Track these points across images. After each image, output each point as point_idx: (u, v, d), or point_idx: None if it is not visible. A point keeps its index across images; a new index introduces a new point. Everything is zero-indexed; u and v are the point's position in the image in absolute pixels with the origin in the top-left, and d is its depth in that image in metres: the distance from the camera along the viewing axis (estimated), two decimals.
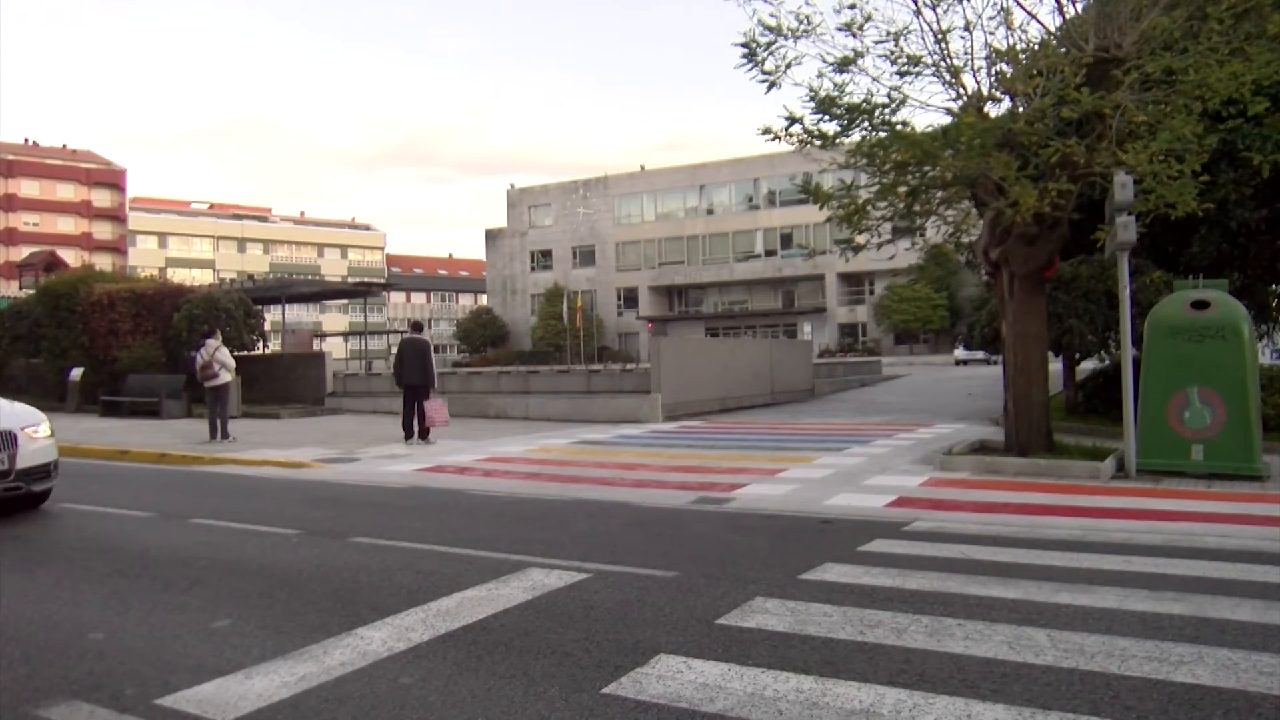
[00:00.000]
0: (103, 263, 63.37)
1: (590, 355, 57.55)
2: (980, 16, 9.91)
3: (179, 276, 50.44)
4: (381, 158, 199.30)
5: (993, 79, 9.89)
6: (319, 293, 35.26)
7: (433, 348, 14.65)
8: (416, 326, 14.86)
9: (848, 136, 10.23)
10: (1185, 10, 9.05)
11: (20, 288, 32.14)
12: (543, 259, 74.46)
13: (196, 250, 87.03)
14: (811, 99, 9.94)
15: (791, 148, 10.41)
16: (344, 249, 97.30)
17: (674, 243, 70.01)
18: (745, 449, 12.98)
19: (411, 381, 13.97)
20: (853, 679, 3.71)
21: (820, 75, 9.99)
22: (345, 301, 76.50)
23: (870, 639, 4.23)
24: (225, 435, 14.22)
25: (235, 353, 21.11)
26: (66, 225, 79.90)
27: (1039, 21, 10.65)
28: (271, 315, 30.62)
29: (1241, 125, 10.60)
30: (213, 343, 14.92)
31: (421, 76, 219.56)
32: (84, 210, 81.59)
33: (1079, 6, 10.13)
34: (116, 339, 21.48)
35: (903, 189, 10.29)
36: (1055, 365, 14.75)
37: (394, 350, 16.35)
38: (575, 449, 13.17)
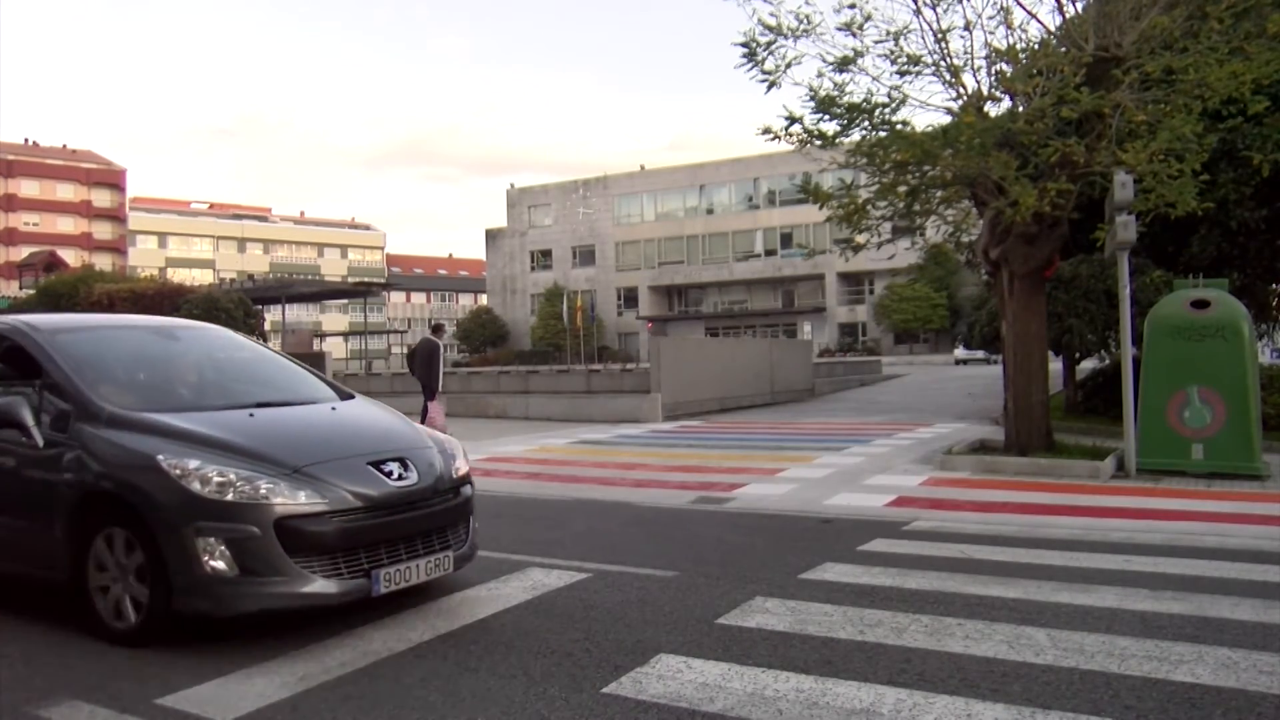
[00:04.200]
0: (103, 263, 63.45)
1: (590, 355, 57.55)
2: (980, 16, 9.93)
3: (179, 276, 50.56)
4: (386, 157, 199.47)
5: (993, 79, 9.89)
6: (319, 293, 35.32)
7: (442, 349, 14.70)
8: (434, 329, 14.96)
9: (848, 136, 10.23)
10: (1185, 9, 9.05)
11: (20, 288, 32.15)
12: (543, 259, 74.45)
13: (196, 250, 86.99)
14: (811, 99, 9.94)
15: (791, 147, 10.42)
16: (344, 249, 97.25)
17: (674, 242, 69.99)
18: (745, 449, 12.98)
19: (423, 381, 14.07)
20: (853, 679, 3.71)
21: (820, 75, 10.00)
22: (345, 301, 76.48)
23: (870, 638, 4.23)
24: None
25: None
26: (66, 225, 79.87)
27: (1039, 21, 10.66)
28: (271, 315, 30.63)
29: (1241, 124, 10.60)
30: None
31: (430, 76, 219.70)
32: (84, 210, 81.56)
33: (1079, 6, 10.13)
34: None
35: (902, 188, 10.30)
36: (1055, 365, 14.74)
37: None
38: (575, 449, 13.17)
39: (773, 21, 9.94)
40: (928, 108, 10.62)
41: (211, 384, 5.43)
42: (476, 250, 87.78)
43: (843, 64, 9.80)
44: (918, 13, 9.78)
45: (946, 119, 9.88)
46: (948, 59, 9.85)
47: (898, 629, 4.35)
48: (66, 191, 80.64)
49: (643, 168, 72.36)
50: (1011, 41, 9.79)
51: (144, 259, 79.55)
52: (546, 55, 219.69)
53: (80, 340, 5.16)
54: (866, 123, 9.87)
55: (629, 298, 70.94)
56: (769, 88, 10.23)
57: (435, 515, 4.70)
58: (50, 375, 4.76)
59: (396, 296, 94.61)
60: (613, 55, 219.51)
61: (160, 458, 4.23)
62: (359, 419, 5.22)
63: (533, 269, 74.76)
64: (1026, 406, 10.30)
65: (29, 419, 4.53)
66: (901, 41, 9.68)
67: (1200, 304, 9.61)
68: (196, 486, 4.12)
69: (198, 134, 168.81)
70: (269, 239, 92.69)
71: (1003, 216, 9.59)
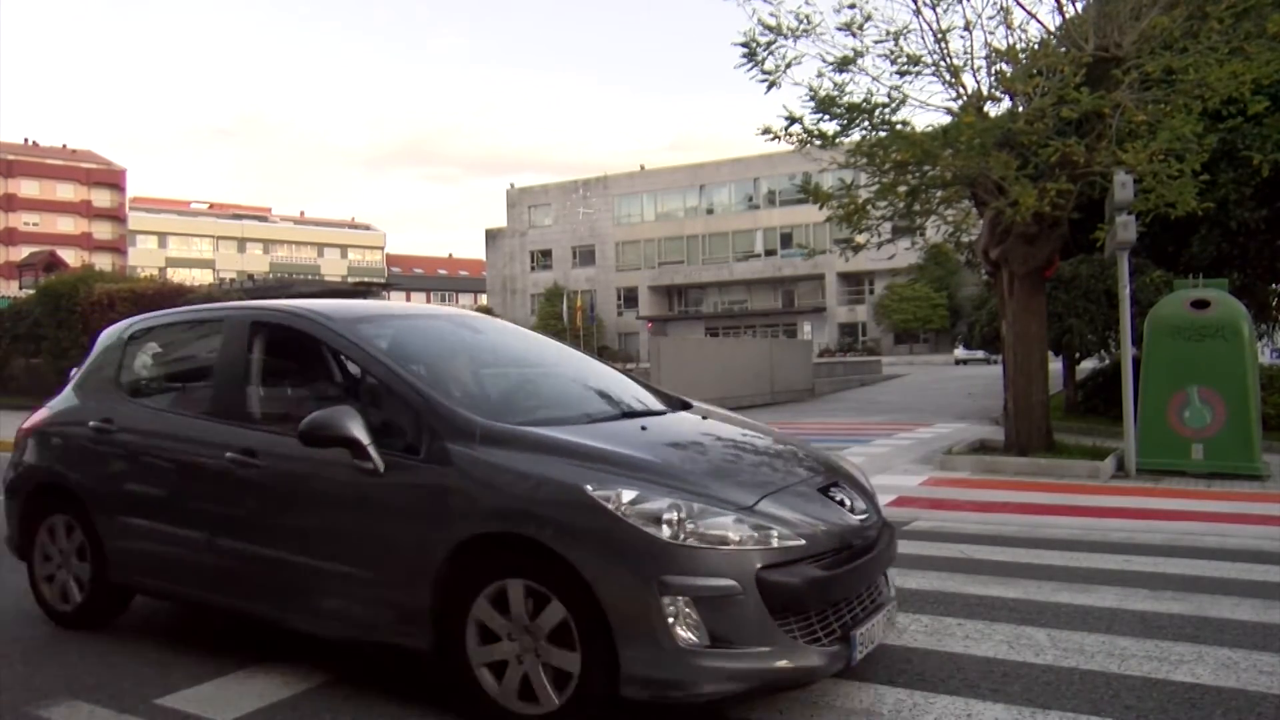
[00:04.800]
0: (103, 263, 63.38)
1: (590, 355, 57.54)
2: (980, 16, 9.93)
3: (179, 276, 50.49)
4: (387, 157, 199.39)
5: (993, 79, 9.89)
6: (319, 293, 35.16)
7: None
8: None
9: (847, 136, 10.23)
10: (1185, 9, 9.05)
11: (20, 288, 32.17)
12: (543, 259, 74.48)
13: (196, 250, 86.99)
14: (811, 99, 9.94)
15: (791, 147, 10.42)
16: (344, 249, 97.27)
17: (674, 242, 70.01)
18: None
19: None
20: (853, 679, 3.70)
21: (820, 75, 10.00)
22: None
23: None
24: None
25: None
26: (66, 225, 79.89)
27: (1039, 21, 10.67)
28: None
29: (1241, 124, 10.59)
30: None
31: (430, 76, 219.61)
32: (84, 210, 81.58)
33: (1079, 6, 10.13)
34: None
35: (902, 189, 10.29)
36: (1055, 365, 14.74)
37: None
38: None
39: (773, 21, 9.94)
40: (928, 108, 10.63)
41: (556, 387, 4.37)
42: (476, 250, 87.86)
43: (843, 64, 9.80)
44: (918, 13, 9.78)
45: (946, 119, 9.87)
46: (948, 59, 9.85)
47: (898, 629, 4.35)
48: (66, 191, 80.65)
49: (643, 168, 72.40)
50: (1011, 41, 9.80)
51: (144, 259, 79.50)
52: (547, 55, 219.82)
53: (393, 333, 4.11)
54: (866, 123, 9.87)
55: (629, 298, 70.95)
56: (769, 88, 10.23)
57: (887, 556, 3.69)
58: (379, 378, 3.67)
59: (396, 296, 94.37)
60: (613, 55, 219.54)
61: (588, 487, 3.12)
62: (749, 431, 4.14)
63: (533, 269, 74.78)
64: (1026, 406, 10.29)
65: (364, 435, 3.41)
66: (901, 41, 9.68)
67: (1200, 304, 9.61)
68: (646, 526, 3.02)
69: (198, 134, 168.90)
70: (269, 239, 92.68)
71: (1003, 216, 9.59)
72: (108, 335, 4.96)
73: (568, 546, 3.07)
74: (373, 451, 3.41)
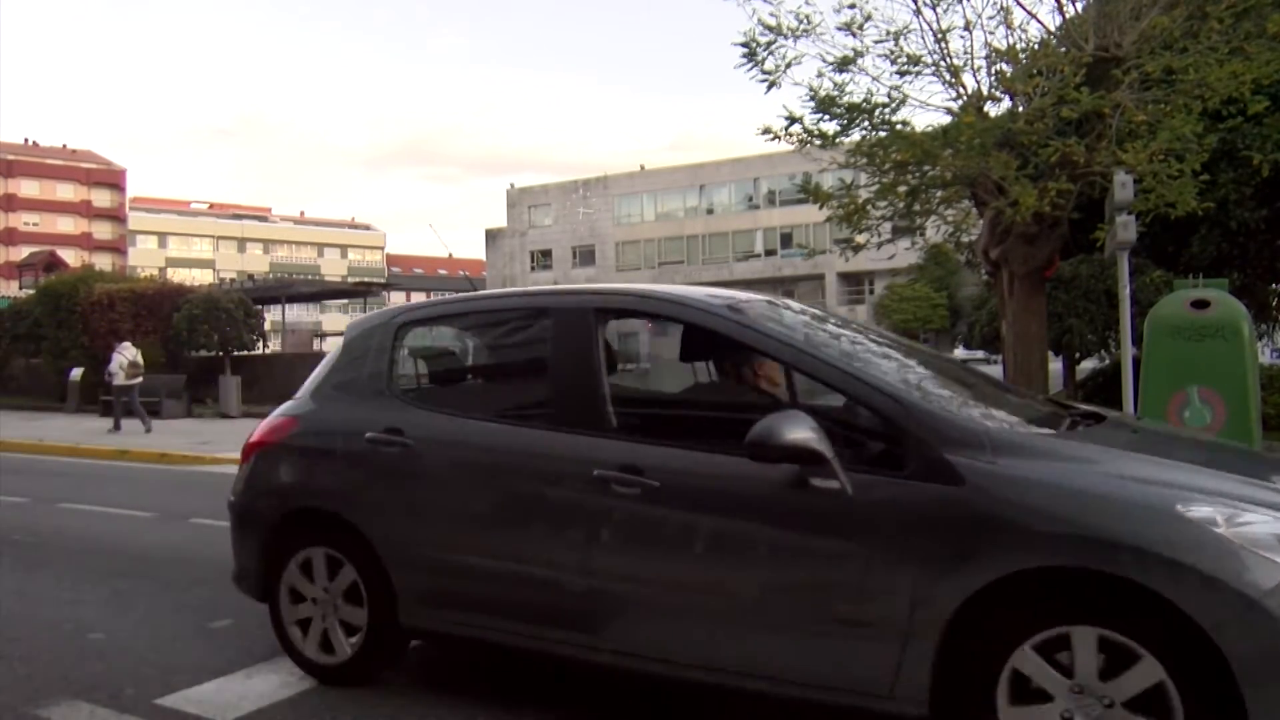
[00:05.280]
0: (103, 263, 63.38)
1: None
2: (980, 16, 9.94)
3: (179, 276, 50.53)
4: (386, 157, 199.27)
5: (993, 79, 9.91)
6: (319, 293, 35.19)
7: None
8: None
9: (848, 136, 10.24)
10: (1185, 9, 9.07)
11: (20, 288, 32.19)
12: (543, 259, 74.52)
13: (196, 250, 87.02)
14: (811, 99, 9.95)
15: (791, 147, 10.43)
16: (344, 249, 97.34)
17: (674, 242, 70.08)
18: None
19: None
20: None
21: (820, 75, 10.02)
22: (345, 301, 76.43)
23: None
24: (118, 428, 15.49)
25: (235, 353, 21.92)
26: (66, 225, 79.91)
27: (1039, 21, 10.68)
28: (271, 315, 30.57)
29: (1241, 124, 10.60)
30: (126, 347, 16.52)
31: (430, 76, 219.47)
32: (84, 210, 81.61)
33: (1079, 6, 10.14)
34: (117, 339, 21.51)
35: (902, 189, 10.30)
36: (1055, 365, 14.74)
37: None
38: None
39: (773, 21, 9.96)
40: (928, 108, 10.63)
41: (959, 384, 3.42)
42: (476, 250, 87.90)
43: (843, 64, 9.82)
44: (918, 13, 9.80)
45: (946, 119, 9.89)
46: (948, 59, 9.87)
47: None
48: (66, 191, 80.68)
49: (643, 168, 72.46)
50: (1011, 41, 9.82)
51: (144, 259, 79.49)
52: (547, 55, 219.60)
53: (787, 322, 3.34)
54: (866, 123, 9.89)
55: None
56: (769, 88, 10.26)
57: None
58: (820, 376, 3.00)
59: (397, 296, 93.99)
60: (613, 55, 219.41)
61: (1178, 506, 2.49)
62: (1198, 433, 3.49)
63: (533, 269, 74.82)
64: None
65: (827, 446, 2.73)
66: (901, 41, 9.70)
67: (1200, 304, 9.60)
68: (1269, 553, 2.40)
69: (198, 134, 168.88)
70: (269, 239, 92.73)
71: (1003, 216, 9.60)
72: (368, 329, 3.98)
73: (1169, 584, 2.40)
74: (838, 467, 2.73)
